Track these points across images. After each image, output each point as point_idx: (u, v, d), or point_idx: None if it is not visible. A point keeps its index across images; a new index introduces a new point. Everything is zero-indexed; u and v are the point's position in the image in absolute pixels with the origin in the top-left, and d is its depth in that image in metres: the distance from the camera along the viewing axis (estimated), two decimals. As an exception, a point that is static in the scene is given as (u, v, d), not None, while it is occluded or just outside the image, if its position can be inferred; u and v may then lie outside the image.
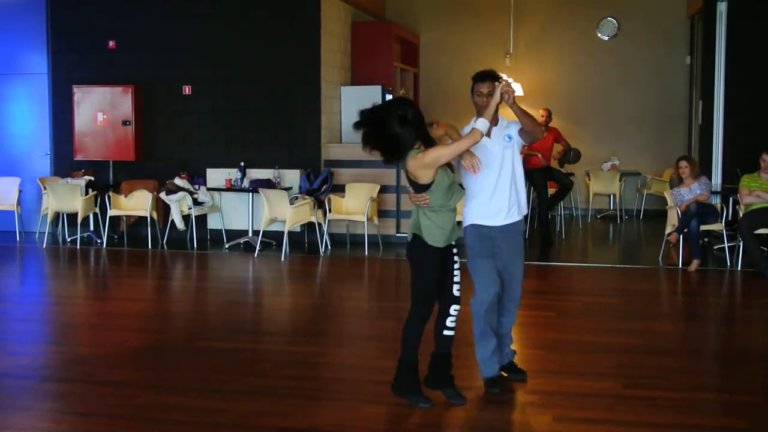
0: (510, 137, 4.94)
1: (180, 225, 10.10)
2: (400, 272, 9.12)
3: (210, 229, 10.73)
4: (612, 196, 12.95)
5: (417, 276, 4.57)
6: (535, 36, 13.39)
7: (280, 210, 9.41)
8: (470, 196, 4.85)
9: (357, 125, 4.48)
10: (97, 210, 10.46)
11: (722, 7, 10.14)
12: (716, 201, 9.50)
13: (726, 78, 10.14)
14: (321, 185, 9.98)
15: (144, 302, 7.60)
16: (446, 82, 13.39)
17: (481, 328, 4.83)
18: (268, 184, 10.03)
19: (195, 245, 10.20)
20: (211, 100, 10.70)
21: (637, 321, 6.74)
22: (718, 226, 8.86)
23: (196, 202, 10.19)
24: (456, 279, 4.61)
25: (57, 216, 10.55)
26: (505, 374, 5.04)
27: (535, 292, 8.06)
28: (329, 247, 9.96)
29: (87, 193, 10.29)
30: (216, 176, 10.59)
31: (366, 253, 9.64)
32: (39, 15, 11.06)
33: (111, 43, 10.86)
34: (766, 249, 8.97)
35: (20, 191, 10.76)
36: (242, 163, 10.28)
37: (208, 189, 10.44)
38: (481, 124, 4.55)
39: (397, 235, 10.35)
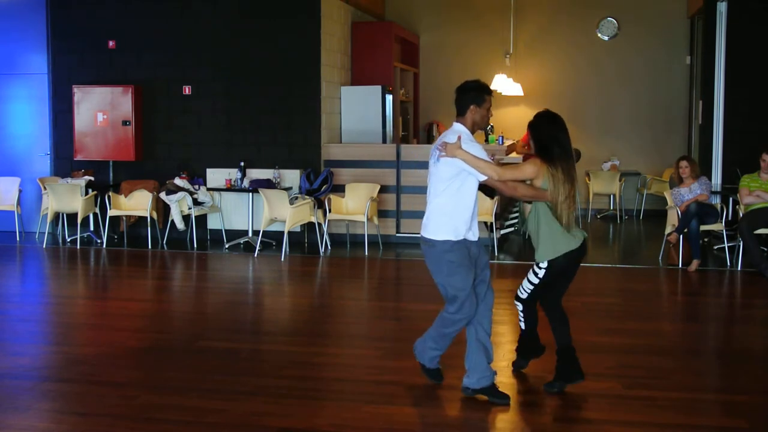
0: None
1: (180, 225, 10.10)
2: (400, 272, 9.12)
3: (210, 229, 10.73)
4: (612, 196, 12.95)
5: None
6: (535, 36, 13.40)
7: (280, 210, 9.41)
8: (463, 210, 4.75)
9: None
10: (97, 210, 10.46)
11: (722, 7, 10.15)
12: (716, 201, 9.50)
13: (726, 78, 10.15)
14: (321, 185, 9.98)
15: (144, 302, 7.60)
16: (446, 82, 13.35)
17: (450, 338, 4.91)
18: (268, 184, 10.03)
19: (195, 245, 10.20)
20: (211, 100, 10.70)
21: (637, 321, 6.75)
22: (718, 226, 8.86)
23: (196, 202, 10.19)
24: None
25: (57, 216, 10.56)
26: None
27: (535, 292, 8.06)
28: (329, 247, 9.96)
29: (87, 193, 10.29)
30: (216, 176, 10.60)
31: (366, 253, 9.64)
32: (39, 15, 11.06)
33: (111, 43, 10.86)
34: (766, 249, 8.97)
35: (20, 191, 10.76)
36: (242, 163, 10.28)
37: (208, 189, 10.44)
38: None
39: (397, 235, 10.35)
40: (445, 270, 4.71)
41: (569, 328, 4.93)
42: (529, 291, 4.97)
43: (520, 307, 5.10)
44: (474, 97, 4.78)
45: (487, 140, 12.05)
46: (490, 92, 4.85)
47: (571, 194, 4.71)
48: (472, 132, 4.82)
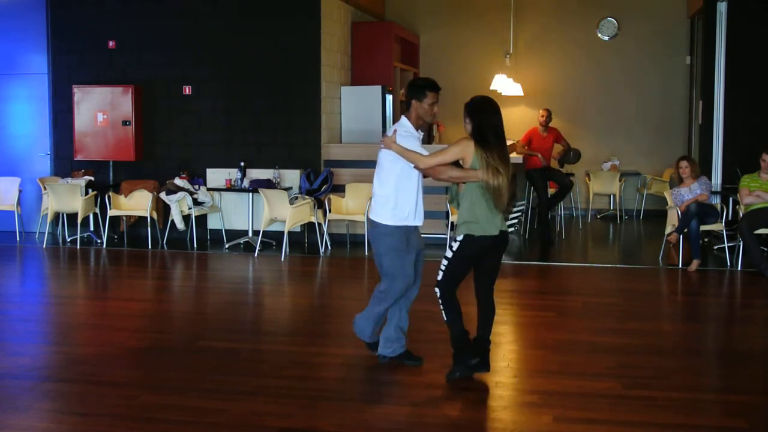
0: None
1: (180, 225, 10.10)
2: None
3: (210, 229, 10.73)
4: (612, 196, 12.95)
5: None
6: (535, 36, 13.39)
7: (280, 210, 9.41)
8: (404, 196, 5.14)
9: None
10: (97, 210, 10.46)
11: (722, 7, 10.14)
12: (716, 201, 9.50)
13: (726, 78, 10.14)
14: (321, 185, 9.98)
15: (144, 302, 7.60)
16: (446, 82, 13.25)
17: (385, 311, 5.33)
18: (268, 184, 10.03)
19: (195, 245, 10.20)
20: (211, 100, 10.71)
21: (637, 321, 6.74)
22: (718, 226, 8.86)
23: (196, 202, 10.20)
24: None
25: (57, 216, 10.55)
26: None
27: (535, 292, 8.07)
28: (329, 247, 9.96)
29: (87, 193, 10.29)
30: (216, 176, 10.60)
31: (366, 253, 9.63)
32: (39, 15, 11.06)
33: (111, 43, 10.86)
34: (766, 249, 8.97)
35: (20, 191, 10.76)
36: (242, 163, 10.28)
37: (208, 189, 10.44)
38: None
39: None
40: (382, 249, 5.19)
41: (492, 321, 5.13)
42: (443, 269, 5.01)
43: (437, 292, 5.05)
44: (415, 93, 5.19)
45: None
46: (434, 89, 5.20)
47: (504, 181, 4.86)
48: (417, 125, 5.20)
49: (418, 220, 5.21)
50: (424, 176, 5.19)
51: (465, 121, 5.01)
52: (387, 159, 5.14)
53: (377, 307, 5.31)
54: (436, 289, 5.05)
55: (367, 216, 5.38)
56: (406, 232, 5.19)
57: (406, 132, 5.12)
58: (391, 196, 5.13)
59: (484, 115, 4.94)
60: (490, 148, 4.86)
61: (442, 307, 5.05)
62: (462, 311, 5.08)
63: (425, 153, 5.05)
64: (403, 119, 5.20)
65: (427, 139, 13.00)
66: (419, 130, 5.24)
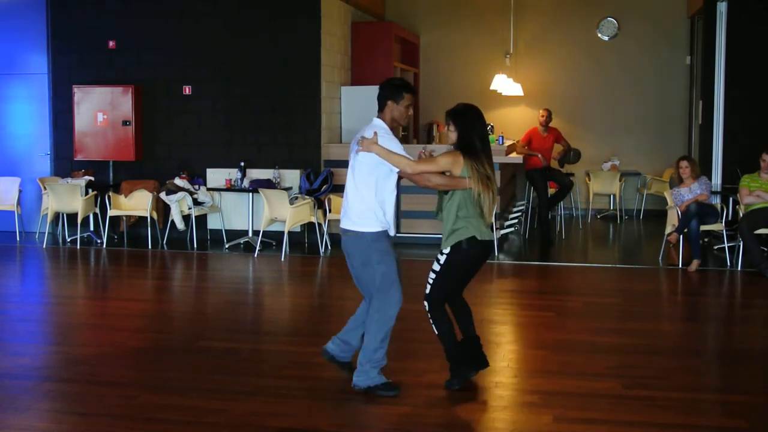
0: None
1: (180, 225, 10.10)
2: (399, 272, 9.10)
3: (210, 229, 10.73)
4: (612, 196, 12.95)
5: None
6: (535, 36, 13.39)
7: (280, 210, 9.41)
8: (383, 202, 4.85)
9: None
10: (97, 210, 10.46)
11: (722, 7, 10.14)
12: (716, 201, 9.50)
13: (726, 78, 10.14)
14: (321, 185, 9.98)
15: (144, 302, 7.60)
16: (446, 82, 13.39)
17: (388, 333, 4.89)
18: (268, 184, 10.03)
19: (195, 245, 10.19)
20: (211, 100, 10.70)
21: (637, 321, 6.75)
22: (718, 226, 8.86)
23: (196, 202, 10.19)
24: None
25: (57, 216, 10.55)
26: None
27: (535, 292, 8.07)
28: (329, 247, 9.96)
29: (87, 193, 10.29)
30: (216, 176, 10.60)
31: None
32: (39, 15, 11.06)
33: (111, 43, 10.86)
34: (766, 249, 8.97)
35: (20, 191, 10.75)
36: (242, 163, 10.28)
37: (208, 189, 10.44)
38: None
39: (397, 235, 10.31)
40: (375, 258, 4.80)
41: (472, 318, 5.06)
42: (431, 282, 4.87)
43: (426, 306, 4.90)
44: (392, 93, 4.86)
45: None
46: (410, 90, 4.91)
47: (495, 188, 4.80)
48: (392, 128, 4.89)
49: (391, 231, 4.90)
50: (400, 178, 4.91)
51: (449, 128, 4.86)
52: (367, 163, 4.74)
53: (382, 329, 4.83)
54: (425, 303, 4.90)
55: (344, 229, 4.87)
56: (389, 237, 4.90)
57: (387, 134, 4.77)
58: (372, 203, 4.77)
59: (470, 121, 4.83)
60: (477, 155, 4.74)
61: (431, 321, 4.91)
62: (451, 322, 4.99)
63: (410, 157, 4.77)
64: (377, 121, 4.86)
65: (427, 139, 13.00)
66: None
